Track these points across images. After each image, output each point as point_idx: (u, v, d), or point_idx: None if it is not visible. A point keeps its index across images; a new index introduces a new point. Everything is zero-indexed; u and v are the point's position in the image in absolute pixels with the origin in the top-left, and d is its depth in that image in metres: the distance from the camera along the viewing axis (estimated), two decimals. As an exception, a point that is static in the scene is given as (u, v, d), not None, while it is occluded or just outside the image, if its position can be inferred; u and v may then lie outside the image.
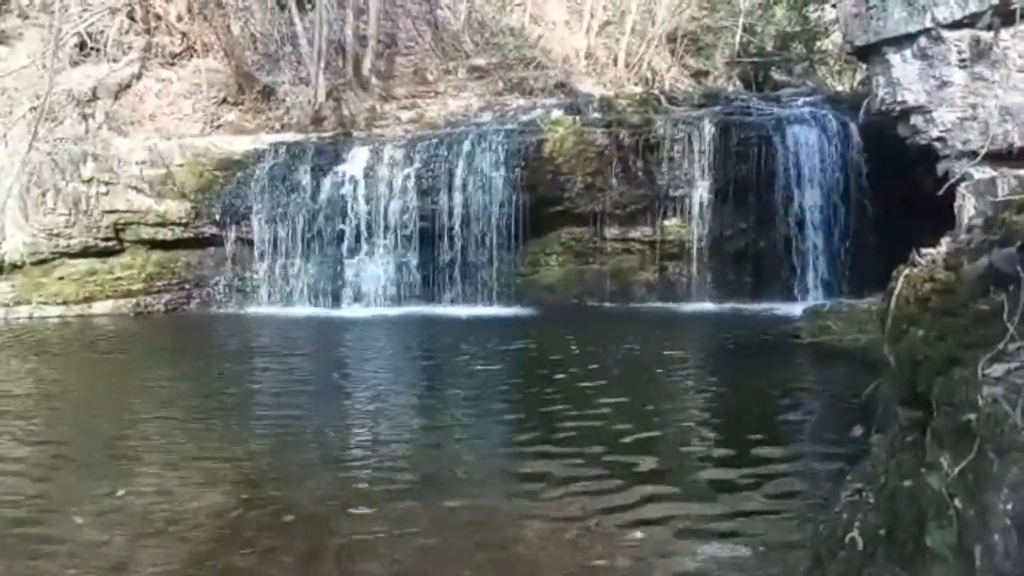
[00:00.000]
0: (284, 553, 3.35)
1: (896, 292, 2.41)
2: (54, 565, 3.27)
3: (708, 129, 11.10)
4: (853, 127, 10.93)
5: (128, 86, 13.48)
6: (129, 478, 4.29)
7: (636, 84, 16.00)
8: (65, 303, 11.32)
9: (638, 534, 3.45)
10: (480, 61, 15.66)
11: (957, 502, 1.86)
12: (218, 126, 13.39)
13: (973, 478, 1.81)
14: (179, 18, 14.45)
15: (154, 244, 11.86)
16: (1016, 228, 2.18)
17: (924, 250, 2.47)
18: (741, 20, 17.91)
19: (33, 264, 11.60)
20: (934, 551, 1.92)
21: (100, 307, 11.39)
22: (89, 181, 11.56)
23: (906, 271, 2.43)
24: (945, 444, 2.01)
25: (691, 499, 3.84)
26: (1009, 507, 1.66)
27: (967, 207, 7.28)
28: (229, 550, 3.39)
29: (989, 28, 6.48)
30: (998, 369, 1.88)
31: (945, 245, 2.44)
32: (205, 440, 5.07)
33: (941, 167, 7.96)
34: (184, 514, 3.76)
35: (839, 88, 17.60)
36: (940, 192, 5.04)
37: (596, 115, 11.87)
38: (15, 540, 3.52)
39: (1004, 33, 6.90)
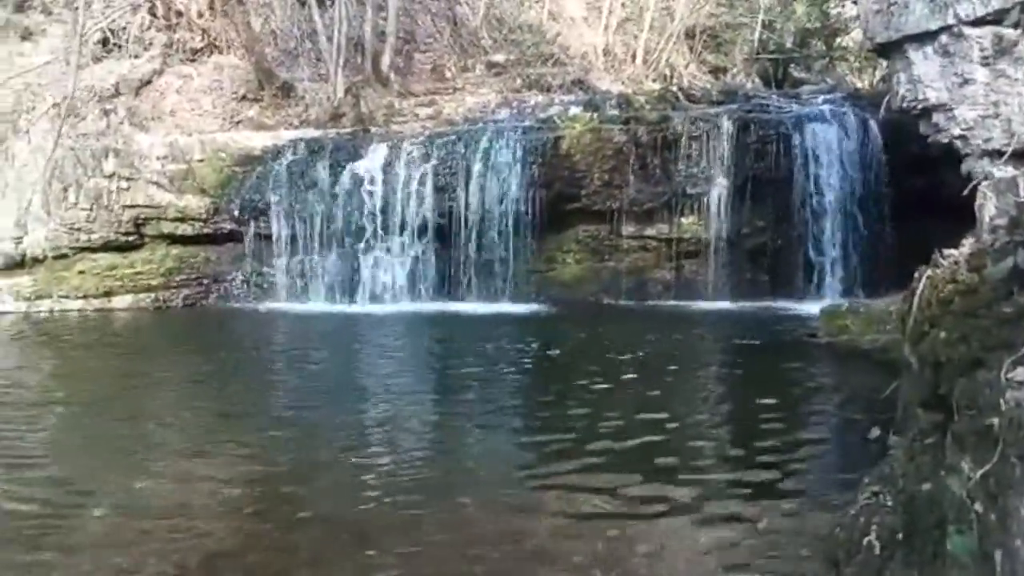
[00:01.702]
0: (299, 549, 3.37)
1: (918, 293, 2.39)
2: (71, 557, 3.30)
3: (726, 126, 11.03)
4: (873, 124, 10.83)
5: (149, 82, 13.58)
6: (147, 472, 4.33)
7: (654, 81, 15.93)
8: (85, 297, 11.42)
9: (654, 532, 3.44)
10: (498, 58, 15.65)
11: (978, 506, 1.84)
12: (238, 122, 13.46)
13: (995, 482, 1.79)
14: (200, 14, 14.54)
15: (174, 239, 11.94)
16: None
17: (947, 251, 2.45)
18: (760, 16, 17.79)
19: (54, 258, 11.72)
20: (954, 555, 1.90)
21: (120, 301, 11.48)
22: (110, 176, 11.67)
23: (928, 272, 2.41)
24: (966, 447, 2.00)
25: (707, 499, 3.83)
26: (1031, 512, 1.64)
27: (988, 207, 7.19)
28: (245, 544, 3.42)
29: (1016, 25, 6.40)
30: (1022, 372, 1.86)
31: (968, 246, 2.42)
32: (222, 435, 5.11)
33: (964, 166, 7.87)
34: (201, 508, 3.80)
35: (859, 85, 17.45)
36: (964, 192, 4.98)
37: (614, 112, 11.83)
38: (34, 531, 3.56)
39: (1029, 30, 6.81)
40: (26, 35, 13.87)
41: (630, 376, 6.59)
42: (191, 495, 3.97)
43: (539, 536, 3.47)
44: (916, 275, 2.48)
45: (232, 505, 3.87)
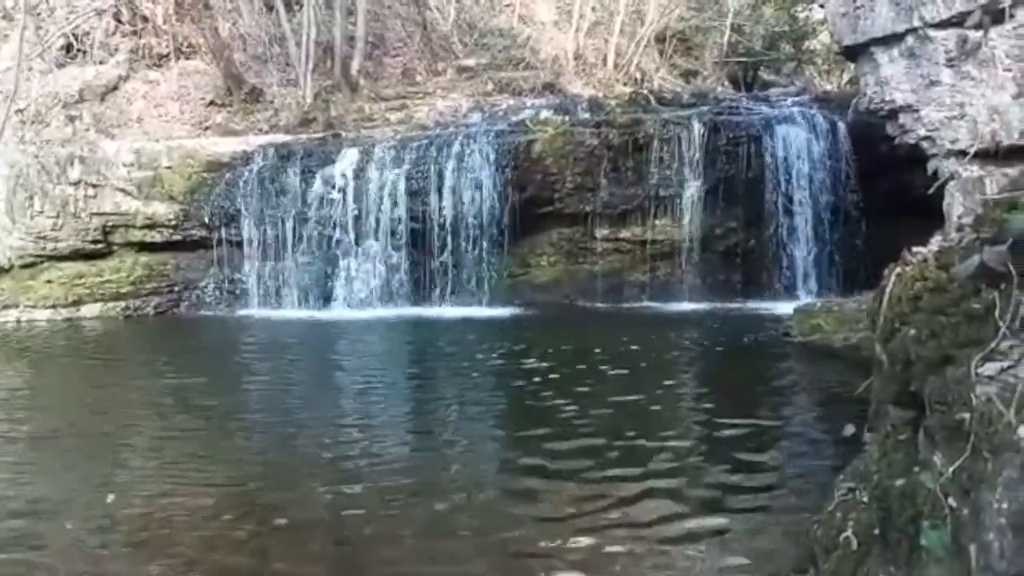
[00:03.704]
0: (276, 557, 3.33)
1: (888, 291, 2.41)
2: (43, 571, 3.23)
3: (697, 129, 11.11)
4: (842, 126, 10.97)
5: (115, 88, 13.42)
6: (120, 483, 4.26)
7: (625, 84, 16.02)
8: (54, 306, 11.24)
9: (631, 536, 3.44)
10: (469, 62, 15.65)
11: (951, 501, 1.86)
12: (206, 128, 13.34)
13: (967, 477, 1.81)
14: (166, 19, 14.39)
15: (143, 247, 11.79)
16: (1006, 226, 2.18)
17: (915, 249, 2.47)
18: (730, 20, 17.97)
19: (21, 267, 11.52)
20: (929, 550, 1.92)
21: (89, 310, 11.31)
22: (76, 184, 11.49)
23: (898, 270, 2.44)
24: (938, 443, 2.02)
25: (683, 499, 3.83)
26: (1004, 506, 1.66)
27: (955, 205, 7.31)
28: (221, 554, 3.37)
29: (978, 27, 6.50)
30: (991, 368, 1.89)
31: (936, 244, 2.45)
32: (196, 444, 5.04)
33: (929, 166, 7.98)
34: (175, 519, 3.73)
35: (827, 87, 17.68)
36: (929, 191, 5.06)
37: (585, 115, 11.89)
38: (3, 545, 3.48)
39: (992, 32, 6.93)
40: (-12, 41, 13.64)
41: (604, 378, 6.60)
42: (164, 506, 3.90)
43: (519, 542, 3.46)
44: (886, 273, 2.50)
45: (208, 513, 3.81)
